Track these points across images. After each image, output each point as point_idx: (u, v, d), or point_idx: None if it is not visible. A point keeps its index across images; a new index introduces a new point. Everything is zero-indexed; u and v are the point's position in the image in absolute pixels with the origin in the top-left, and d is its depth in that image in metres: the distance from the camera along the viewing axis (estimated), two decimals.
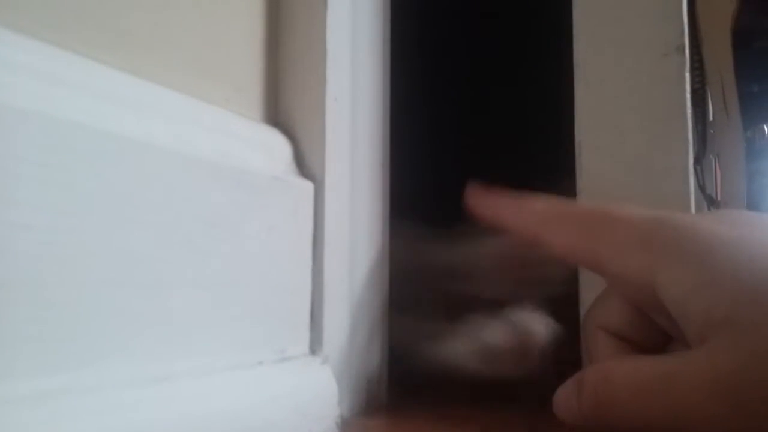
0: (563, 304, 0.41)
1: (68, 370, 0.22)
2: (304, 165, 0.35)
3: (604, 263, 0.28)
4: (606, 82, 0.36)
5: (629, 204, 0.29)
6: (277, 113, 0.36)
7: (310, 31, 0.36)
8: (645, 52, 0.35)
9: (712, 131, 0.58)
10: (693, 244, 0.25)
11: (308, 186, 0.35)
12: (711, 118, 0.58)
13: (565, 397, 0.28)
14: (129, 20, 0.27)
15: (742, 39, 0.59)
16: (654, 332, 0.29)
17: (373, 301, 0.40)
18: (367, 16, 0.41)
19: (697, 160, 0.54)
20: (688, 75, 0.34)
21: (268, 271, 0.31)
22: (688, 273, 0.24)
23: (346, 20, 0.38)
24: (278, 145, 0.35)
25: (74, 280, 0.22)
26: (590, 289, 0.36)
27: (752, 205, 0.57)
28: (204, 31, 0.32)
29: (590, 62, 0.36)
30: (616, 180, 0.35)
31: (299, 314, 0.34)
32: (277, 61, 0.37)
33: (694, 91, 0.54)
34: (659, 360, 0.25)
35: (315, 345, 0.34)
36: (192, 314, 0.27)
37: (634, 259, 0.26)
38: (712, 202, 0.55)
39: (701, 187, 0.55)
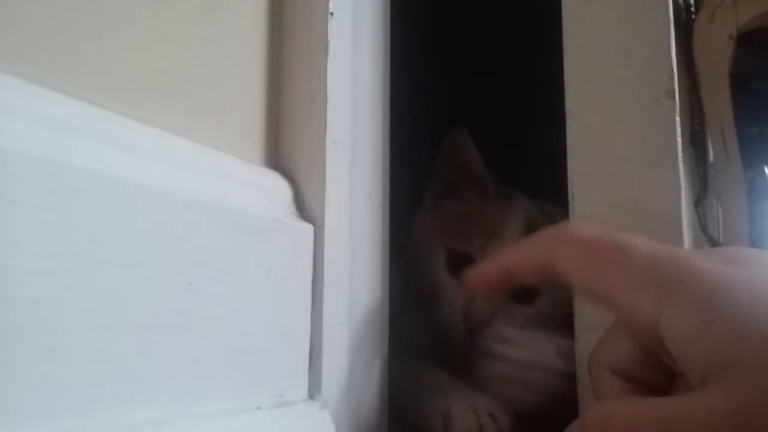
0: None
1: (68, 415, 0.21)
2: (304, 207, 0.36)
3: (612, 297, 0.27)
4: (597, 128, 0.36)
5: (639, 235, 0.29)
6: (277, 157, 0.37)
7: (312, 76, 0.37)
8: (635, 97, 0.36)
9: (712, 173, 0.58)
10: (696, 283, 0.25)
11: (308, 228, 0.35)
12: (711, 160, 0.58)
13: None
14: (132, 66, 0.28)
15: (741, 81, 0.59)
16: (660, 372, 0.28)
17: (372, 345, 0.40)
18: (367, 61, 0.41)
19: (699, 202, 0.54)
20: (678, 119, 0.34)
21: (267, 314, 0.31)
22: (690, 313, 0.24)
23: (347, 66, 0.39)
24: (278, 187, 0.35)
25: (74, 325, 0.22)
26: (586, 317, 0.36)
27: (754, 246, 0.57)
28: (206, 76, 0.32)
29: (581, 108, 0.37)
30: (609, 223, 0.35)
31: (298, 358, 0.33)
32: (278, 105, 0.37)
33: (694, 133, 0.54)
34: (659, 402, 0.25)
35: (313, 389, 0.34)
36: (191, 358, 0.27)
37: (640, 295, 0.26)
38: (714, 244, 0.55)
39: (703, 228, 0.54)
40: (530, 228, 0.55)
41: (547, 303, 0.53)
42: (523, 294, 0.54)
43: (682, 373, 0.26)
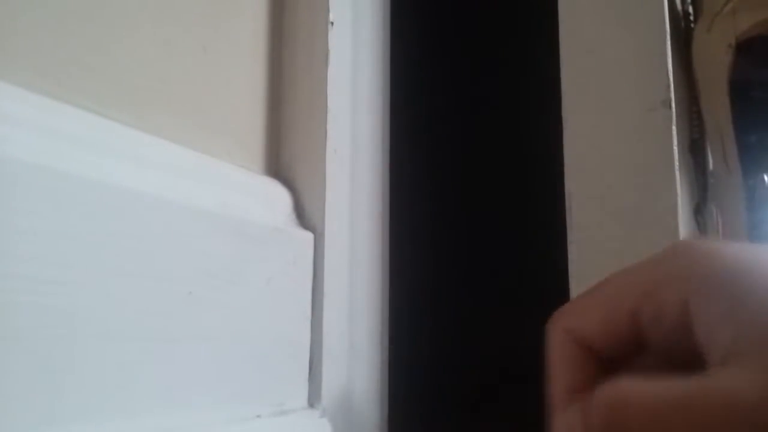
0: None
1: (68, 423, 0.21)
2: (304, 216, 0.36)
3: (639, 314, 0.25)
4: (594, 137, 0.36)
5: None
6: (278, 165, 0.37)
7: (312, 86, 0.37)
8: (632, 107, 0.36)
9: (712, 181, 0.59)
10: (717, 269, 0.25)
11: (308, 237, 0.35)
12: (711, 168, 0.58)
13: (566, 428, 0.25)
14: (133, 75, 0.28)
15: (740, 90, 0.59)
16: (626, 346, 0.27)
17: (373, 354, 0.40)
18: (367, 70, 0.42)
19: (699, 210, 0.54)
20: (674, 129, 0.34)
21: (266, 323, 0.31)
22: (716, 299, 0.24)
23: (347, 75, 0.39)
24: (279, 196, 0.35)
25: (75, 333, 0.22)
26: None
27: None
28: (208, 86, 0.33)
29: (578, 118, 0.37)
30: (606, 230, 0.35)
31: (298, 366, 0.33)
32: (279, 115, 0.38)
33: (693, 141, 0.54)
34: (677, 383, 0.23)
35: (313, 398, 0.34)
36: (190, 367, 0.27)
37: (666, 291, 0.25)
38: None
39: (703, 236, 0.55)
40: None
41: None
42: None
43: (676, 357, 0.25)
